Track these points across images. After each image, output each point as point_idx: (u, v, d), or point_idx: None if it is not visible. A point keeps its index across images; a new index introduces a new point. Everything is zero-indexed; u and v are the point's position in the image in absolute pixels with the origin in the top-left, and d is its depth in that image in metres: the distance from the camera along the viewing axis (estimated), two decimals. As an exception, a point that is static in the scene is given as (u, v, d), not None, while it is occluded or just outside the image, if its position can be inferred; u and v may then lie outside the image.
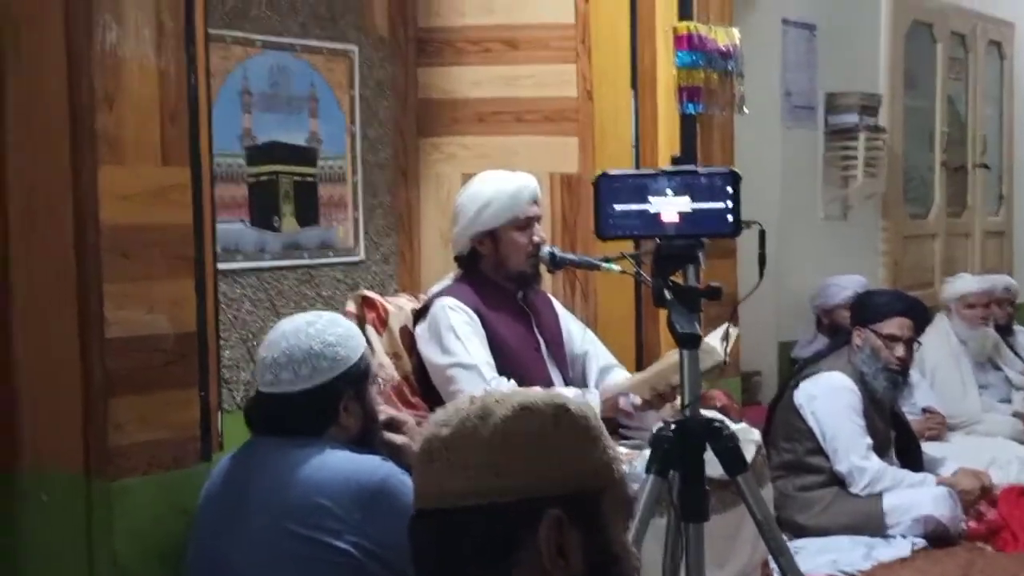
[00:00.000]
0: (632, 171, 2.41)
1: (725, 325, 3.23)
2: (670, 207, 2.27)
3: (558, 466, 1.26)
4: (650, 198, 2.27)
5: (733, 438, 2.32)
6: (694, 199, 2.27)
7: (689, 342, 2.24)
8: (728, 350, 3.19)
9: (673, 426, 2.30)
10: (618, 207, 2.29)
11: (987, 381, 5.79)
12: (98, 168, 2.57)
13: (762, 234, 2.26)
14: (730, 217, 2.27)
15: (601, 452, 1.30)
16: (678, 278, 2.33)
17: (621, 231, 2.32)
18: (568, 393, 3.34)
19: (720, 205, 2.26)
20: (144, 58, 2.65)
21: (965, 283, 5.87)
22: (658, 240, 2.30)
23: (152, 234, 2.65)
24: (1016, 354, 5.95)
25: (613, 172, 2.34)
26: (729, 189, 2.26)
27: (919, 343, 4.42)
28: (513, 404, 1.28)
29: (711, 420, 2.37)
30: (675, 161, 2.34)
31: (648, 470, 2.31)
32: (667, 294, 2.23)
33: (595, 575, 1.27)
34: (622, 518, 1.33)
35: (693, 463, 2.28)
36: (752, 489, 2.34)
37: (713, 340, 3.15)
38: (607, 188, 2.29)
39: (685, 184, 2.27)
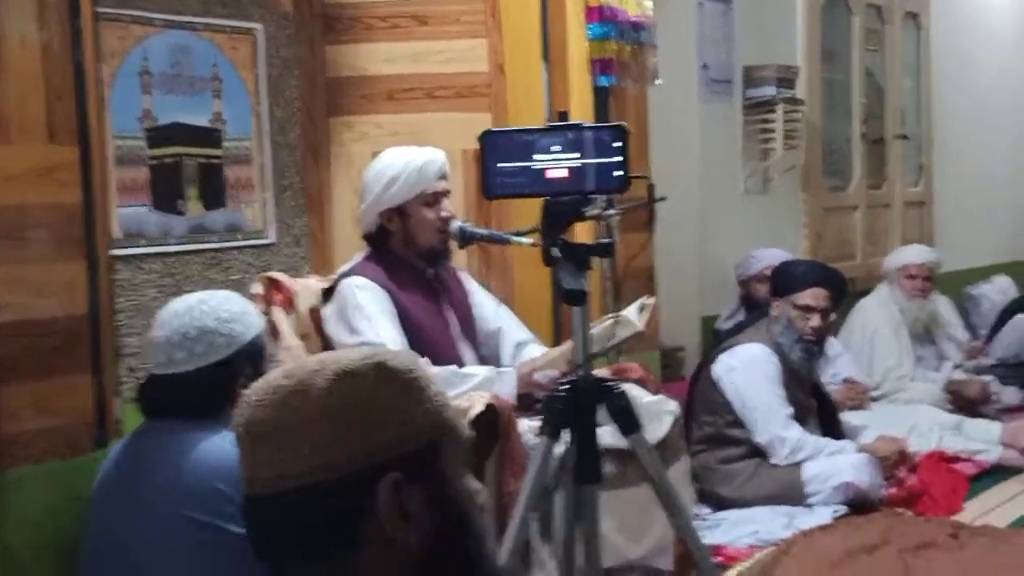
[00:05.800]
0: (517, 128, 2.34)
1: (642, 297, 3.22)
2: (557, 164, 2.22)
3: (391, 425, 1.21)
4: (536, 155, 2.22)
5: (623, 396, 2.27)
6: (582, 155, 2.22)
7: (575, 298, 2.19)
8: (647, 321, 3.18)
9: (566, 386, 2.25)
10: (503, 165, 2.23)
11: (921, 353, 5.85)
12: (-20, 147, 2.49)
13: (651, 188, 2.23)
14: (618, 172, 2.22)
15: (430, 401, 1.25)
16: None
17: (508, 190, 2.27)
18: (480, 371, 3.30)
19: (607, 160, 2.22)
20: (26, 33, 2.56)
21: (908, 254, 5.92)
22: (546, 198, 2.24)
23: (39, 215, 2.57)
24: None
25: (498, 129, 2.29)
26: (617, 144, 2.21)
27: (834, 314, 4.43)
28: (333, 371, 1.22)
29: (603, 379, 2.33)
30: (562, 117, 2.28)
31: (541, 432, 2.26)
32: (555, 251, 2.18)
33: (443, 530, 1.23)
34: (462, 466, 1.28)
35: (586, 423, 2.23)
36: (644, 447, 2.29)
37: (631, 311, 3.13)
38: (492, 146, 2.23)
39: (572, 140, 2.22)
